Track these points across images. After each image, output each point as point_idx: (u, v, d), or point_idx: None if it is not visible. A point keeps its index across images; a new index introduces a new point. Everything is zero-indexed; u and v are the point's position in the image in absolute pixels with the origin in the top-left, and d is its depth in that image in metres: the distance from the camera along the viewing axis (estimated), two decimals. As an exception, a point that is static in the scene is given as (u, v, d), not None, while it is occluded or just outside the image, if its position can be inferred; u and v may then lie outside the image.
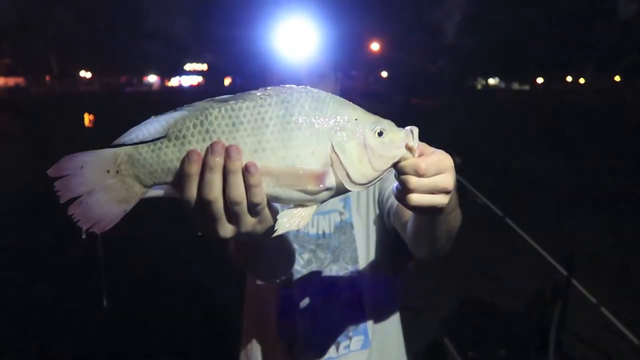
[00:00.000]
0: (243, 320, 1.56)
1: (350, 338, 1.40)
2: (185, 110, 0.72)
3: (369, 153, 0.72)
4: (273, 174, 0.70)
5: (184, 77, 66.65)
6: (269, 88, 0.73)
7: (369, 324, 1.41)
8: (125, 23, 51.81)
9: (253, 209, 0.71)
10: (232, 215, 0.71)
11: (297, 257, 1.37)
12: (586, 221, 5.78)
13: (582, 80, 53.24)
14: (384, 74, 50.42)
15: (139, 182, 0.72)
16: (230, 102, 0.71)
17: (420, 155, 0.74)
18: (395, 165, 0.74)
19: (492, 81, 58.71)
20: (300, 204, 0.73)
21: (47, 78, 51.54)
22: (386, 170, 0.74)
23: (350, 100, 0.76)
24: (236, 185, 0.69)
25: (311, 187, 0.70)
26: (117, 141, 0.71)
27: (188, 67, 65.68)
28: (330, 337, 1.39)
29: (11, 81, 49.91)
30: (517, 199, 5.99)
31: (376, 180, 0.74)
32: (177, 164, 0.70)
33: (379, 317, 1.44)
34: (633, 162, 9.43)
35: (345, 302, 1.40)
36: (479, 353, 3.28)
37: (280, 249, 1.13)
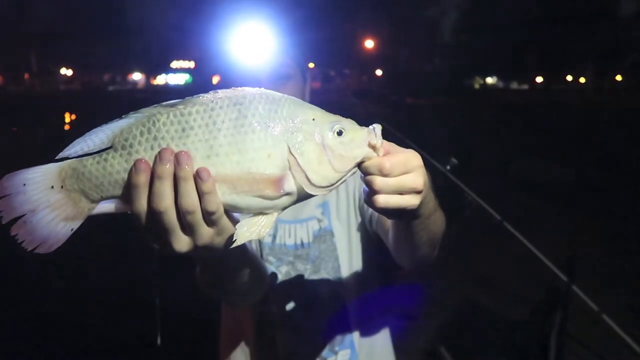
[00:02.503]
0: (220, 341, 1.48)
1: (336, 353, 1.34)
2: (132, 117, 0.69)
3: (329, 154, 0.69)
4: (228, 180, 0.67)
5: (170, 74, 65.76)
6: (219, 91, 0.69)
7: (355, 336, 1.35)
8: (108, 18, 51.39)
9: (208, 218, 0.68)
10: (187, 226, 0.68)
11: (275, 270, 1.30)
12: (587, 225, 5.68)
13: (582, 80, 53.30)
14: (379, 72, 50.45)
15: (86, 197, 0.69)
16: (179, 107, 0.68)
17: (385, 154, 0.71)
18: (359, 166, 0.72)
19: (490, 80, 58.74)
20: (260, 211, 0.70)
21: (26, 76, 50.85)
22: (349, 171, 0.71)
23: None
24: (188, 193, 0.65)
25: (270, 192, 0.68)
26: (61, 154, 0.68)
27: (174, 64, 65.21)
28: (314, 353, 1.32)
29: (-12, 79, 49.27)
30: (515, 202, 5.89)
31: (339, 182, 0.71)
32: (125, 175, 0.67)
33: (366, 328, 1.38)
34: (636, 164, 9.31)
35: (329, 314, 1.33)
36: (477, 362, 3.18)
37: (250, 270, 1.02)
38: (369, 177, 0.72)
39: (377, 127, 0.71)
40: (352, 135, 0.71)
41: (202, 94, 0.70)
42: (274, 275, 1.31)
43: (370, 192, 0.73)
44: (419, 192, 0.74)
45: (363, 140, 0.71)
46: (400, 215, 0.78)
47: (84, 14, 50.03)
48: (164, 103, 0.70)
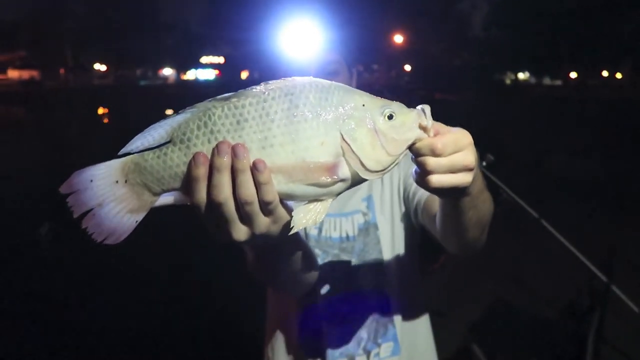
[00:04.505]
0: (265, 332, 1.50)
1: (379, 345, 1.34)
2: (188, 112, 0.70)
3: (381, 138, 0.70)
4: (283, 169, 0.68)
5: (200, 70, 66.65)
6: (271, 82, 0.71)
7: (398, 329, 1.36)
8: (140, 15, 52.24)
9: (265, 207, 0.69)
10: (245, 217, 0.70)
11: (320, 262, 1.31)
12: (626, 223, 5.52)
13: (619, 75, 51.59)
14: (408, 67, 49.92)
15: (148, 190, 0.71)
16: (233, 100, 0.70)
17: (435, 135, 0.72)
18: (410, 148, 0.73)
19: (522, 76, 57.38)
20: (315, 198, 0.71)
21: (62, 71, 52.27)
22: (401, 154, 0.72)
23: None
24: (246, 184, 0.67)
25: (324, 179, 0.69)
26: (123, 150, 0.71)
27: (204, 60, 65.86)
28: (359, 346, 1.33)
29: (25, 74, 50.66)
30: (550, 200, 5.76)
31: (392, 165, 0.72)
32: (184, 168, 0.69)
33: (408, 321, 1.38)
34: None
35: (373, 307, 1.34)
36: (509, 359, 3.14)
37: (302, 257, 1.04)
38: (421, 159, 0.72)
39: (427, 108, 0.72)
40: (403, 118, 0.71)
41: (254, 86, 0.71)
42: (320, 267, 1.31)
43: (423, 173, 0.74)
44: (470, 170, 0.75)
45: (414, 122, 0.71)
46: (451, 193, 0.78)
47: (117, 10, 50.99)
48: (218, 97, 0.71)
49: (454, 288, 3.77)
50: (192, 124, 0.70)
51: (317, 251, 1.34)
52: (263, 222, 0.71)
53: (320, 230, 1.36)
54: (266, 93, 0.70)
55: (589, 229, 4.77)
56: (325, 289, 1.33)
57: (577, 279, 3.25)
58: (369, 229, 1.36)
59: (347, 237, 1.36)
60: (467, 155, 0.74)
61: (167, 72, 67.30)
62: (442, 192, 0.77)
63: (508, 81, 53.98)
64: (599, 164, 9.15)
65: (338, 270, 1.34)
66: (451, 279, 3.35)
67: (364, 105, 0.71)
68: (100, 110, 22.44)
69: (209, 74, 64.53)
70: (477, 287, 4.15)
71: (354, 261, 1.34)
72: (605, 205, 6.53)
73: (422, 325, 1.45)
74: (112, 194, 0.70)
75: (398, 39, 40.08)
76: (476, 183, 0.82)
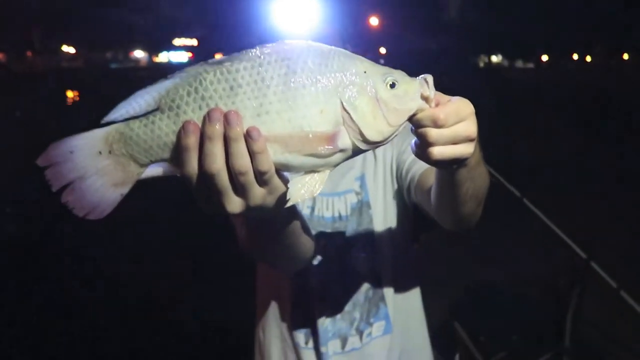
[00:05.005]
0: (255, 314, 1.48)
1: (371, 324, 1.34)
2: (177, 77, 0.66)
3: (383, 107, 0.67)
4: (279, 138, 0.65)
5: (172, 52, 65.41)
6: (266, 45, 0.66)
7: (390, 307, 1.35)
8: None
9: (260, 178, 0.66)
10: (239, 188, 0.66)
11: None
12: (603, 201, 5.64)
13: (588, 58, 52.64)
14: (383, 50, 49.84)
15: (134, 162, 0.67)
16: (226, 64, 0.65)
17: (436, 105, 0.69)
18: (411, 119, 0.70)
19: (495, 59, 57.98)
20: (312, 169, 0.67)
21: (29, 53, 50.40)
22: (402, 124, 0.69)
23: None
24: (239, 153, 0.63)
25: (323, 150, 0.65)
26: (106, 118, 0.66)
27: (177, 42, 64.62)
28: (351, 326, 1.33)
29: (-9, 57, 48.95)
30: (529, 180, 5.83)
31: (392, 137, 0.69)
32: (174, 138, 0.65)
33: (401, 299, 1.38)
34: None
35: (365, 287, 1.34)
36: (491, 338, 3.16)
37: (299, 231, 1.01)
38: (422, 130, 0.70)
39: (429, 78, 0.69)
40: (406, 87, 0.68)
41: (248, 50, 0.66)
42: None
43: (424, 145, 0.71)
44: (472, 140, 0.73)
45: (416, 91, 0.69)
46: (451, 165, 0.76)
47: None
48: (210, 61, 0.67)
49: (435, 268, 3.78)
50: (181, 90, 0.65)
51: None
52: (258, 194, 0.68)
53: (312, 209, 1.34)
54: (262, 57, 0.66)
55: (568, 208, 4.84)
56: (317, 270, 1.31)
57: (557, 256, 3.27)
58: (362, 208, 1.34)
59: (340, 216, 1.33)
60: (469, 125, 0.71)
61: (139, 54, 65.76)
62: (443, 163, 0.74)
63: (482, 64, 54.50)
64: (572, 143, 9.32)
65: (330, 250, 1.32)
66: (432, 258, 3.36)
67: (365, 72, 0.68)
68: (70, 94, 21.90)
69: (182, 57, 63.31)
70: (458, 266, 4.17)
71: (347, 241, 1.32)
72: (581, 183, 6.66)
73: (415, 303, 1.44)
74: (94, 166, 0.66)
75: (374, 21, 39.87)
76: (475, 154, 0.80)
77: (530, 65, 54.44)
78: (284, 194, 0.68)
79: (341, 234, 1.33)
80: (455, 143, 0.71)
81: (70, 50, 56.42)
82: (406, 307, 1.39)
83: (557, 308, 3.07)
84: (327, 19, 1.28)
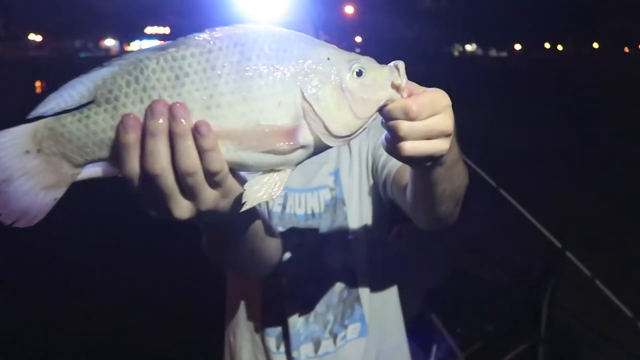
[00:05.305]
0: (225, 317, 1.40)
1: (346, 327, 1.27)
2: (116, 65, 0.58)
3: (349, 98, 0.60)
4: (233, 134, 0.58)
5: (144, 41, 64.11)
6: (217, 29, 0.59)
7: (366, 309, 1.28)
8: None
9: (211, 179, 0.59)
10: (187, 190, 0.59)
11: (284, 241, 1.18)
12: (579, 191, 5.71)
13: (560, 47, 53.73)
14: (359, 39, 49.83)
15: (68, 161, 0.59)
16: (171, 50, 0.58)
17: (409, 96, 0.62)
18: (380, 111, 0.63)
19: (469, 47, 58.57)
20: (271, 168, 0.61)
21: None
22: (371, 116, 0.62)
23: None
24: (186, 151, 0.56)
25: (282, 146, 0.58)
26: (33, 113, 0.58)
27: (149, 30, 63.51)
28: (325, 329, 1.26)
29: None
30: (504, 170, 5.87)
31: (360, 130, 0.62)
32: (112, 134, 0.57)
33: (377, 300, 1.31)
34: (621, 128, 9.40)
35: (339, 287, 1.26)
36: (468, 329, 3.17)
37: (262, 235, 0.91)
38: (393, 123, 0.63)
39: (401, 65, 0.62)
40: (374, 75, 0.61)
41: (196, 34, 0.59)
42: (284, 247, 1.22)
43: (394, 139, 0.64)
44: (448, 136, 0.65)
45: (386, 80, 0.61)
46: (425, 161, 0.69)
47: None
48: (152, 46, 0.59)
49: (409, 257, 3.77)
50: (120, 79, 0.58)
51: (280, 229, 1.24)
52: (210, 196, 0.60)
53: (284, 206, 1.26)
54: (212, 42, 0.58)
55: (543, 198, 4.89)
56: (288, 270, 1.24)
57: (532, 246, 3.29)
58: (336, 205, 1.27)
59: (313, 214, 1.25)
60: (445, 119, 0.64)
61: (110, 43, 64.31)
62: (416, 160, 0.68)
63: (456, 53, 54.96)
64: (547, 134, 9.44)
65: (303, 249, 1.25)
66: (407, 248, 3.34)
67: (329, 58, 0.61)
68: (38, 84, 21.29)
69: (154, 45, 62.29)
70: (434, 256, 4.17)
71: (320, 239, 1.25)
72: (556, 173, 6.74)
73: (391, 302, 1.38)
74: (21, 167, 0.58)
75: (349, 9, 39.74)
76: (452, 151, 0.74)
77: (504, 54, 55.15)
78: (240, 197, 0.60)
79: (314, 232, 1.25)
80: (429, 138, 0.64)
81: (37, 38, 54.80)
82: (383, 307, 1.34)
83: (533, 298, 3.08)
84: (298, 4, 1.20)
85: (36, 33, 53.93)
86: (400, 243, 1.51)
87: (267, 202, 1.24)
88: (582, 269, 2.92)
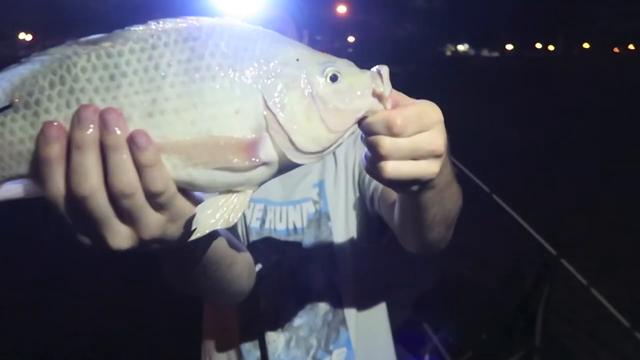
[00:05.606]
0: (202, 341, 1.31)
1: (330, 352, 1.18)
2: (37, 62, 0.49)
3: (320, 107, 0.51)
4: (180, 147, 0.48)
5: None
6: (165, 20, 0.49)
7: (352, 332, 1.19)
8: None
9: (154, 200, 0.48)
10: (125, 214, 0.48)
11: (263, 259, 1.14)
12: (576, 197, 5.66)
13: (551, 48, 54.11)
14: (351, 39, 49.72)
15: None
16: (105, 45, 0.48)
17: (394, 107, 0.53)
18: (359, 123, 0.54)
19: (461, 47, 58.74)
20: (228, 188, 0.51)
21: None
22: (347, 130, 0.53)
23: None
24: (122, 168, 0.46)
25: (240, 162, 0.48)
26: None
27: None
28: (307, 354, 1.17)
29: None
30: (499, 174, 5.81)
31: (334, 146, 0.53)
32: (32, 145, 0.48)
33: (364, 322, 1.22)
34: (617, 129, 9.36)
35: (324, 309, 1.18)
36: (460, 337, 3.11)
37: (230, 261, 0.78)
38: (373, 138, 0.54)
39: (384, 69, 0.53)
40: (351, 81, 0.52)
41: (136, 25, 0.49)
42: (263, 265, 1.14)
43: (375, 158, 0.55)
44: (438, 156, 0.56)
45: (366, 87, 0.52)
46: (412, 186, 0.60)
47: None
48: (83, 39, 0.50)
49: (401, 264, 3.70)
50: (42, 79, 0.48)
51: (259, 245, 1.14)
52: (153, 222, 0.50)
53: (263, 221, 1.16)
54: (156, 36, 0.49)
55: (538, 203, 4.84)
56: (268, 290, 1.15)
57: (528, 253, 3.24)
58: (320, 219, 1.18)
59: (295, 229, 1.17)
60: (435, 136, 0.55)
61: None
62: (399, 184, 0.58)
63: (448, 52, 55.06)
64: (542, 136, 9.39)
65: (284, 267, 1.16)
66: (398, 254, 3.27)
67: (298, 59, 0.52)
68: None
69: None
70: (428, 261, 4.10)
71: (303, 256, 1.16)
72: (554, 178, 6.68)
73: (380, 325, 1.29)
74: None
75: (341, 9, 39.63)
76: (443, 173, 0.64)
77: (496, 54, 55.37)
78: (192, 220, 0.50)
79: (296, 248, 1.16)
80: (415, 158, 0.55)
81: (27, 37, 54.21)
82: (370, 329, 1.25)
83: (527, 305, 3.03)
84: (280, 2, 1.11)
85: (26, 32, 53.31)
86: (392, 245, 1.42)
87: (243, 218, 1.14)
88: (578, 277, 2.86)
